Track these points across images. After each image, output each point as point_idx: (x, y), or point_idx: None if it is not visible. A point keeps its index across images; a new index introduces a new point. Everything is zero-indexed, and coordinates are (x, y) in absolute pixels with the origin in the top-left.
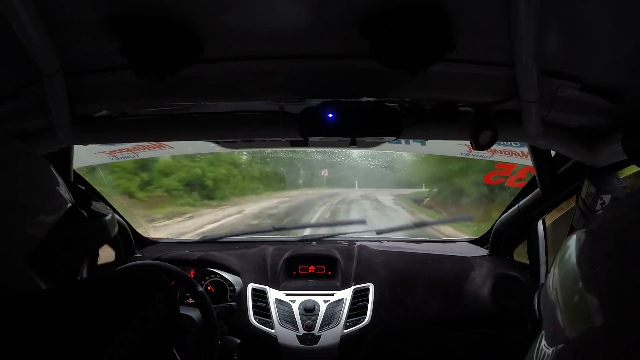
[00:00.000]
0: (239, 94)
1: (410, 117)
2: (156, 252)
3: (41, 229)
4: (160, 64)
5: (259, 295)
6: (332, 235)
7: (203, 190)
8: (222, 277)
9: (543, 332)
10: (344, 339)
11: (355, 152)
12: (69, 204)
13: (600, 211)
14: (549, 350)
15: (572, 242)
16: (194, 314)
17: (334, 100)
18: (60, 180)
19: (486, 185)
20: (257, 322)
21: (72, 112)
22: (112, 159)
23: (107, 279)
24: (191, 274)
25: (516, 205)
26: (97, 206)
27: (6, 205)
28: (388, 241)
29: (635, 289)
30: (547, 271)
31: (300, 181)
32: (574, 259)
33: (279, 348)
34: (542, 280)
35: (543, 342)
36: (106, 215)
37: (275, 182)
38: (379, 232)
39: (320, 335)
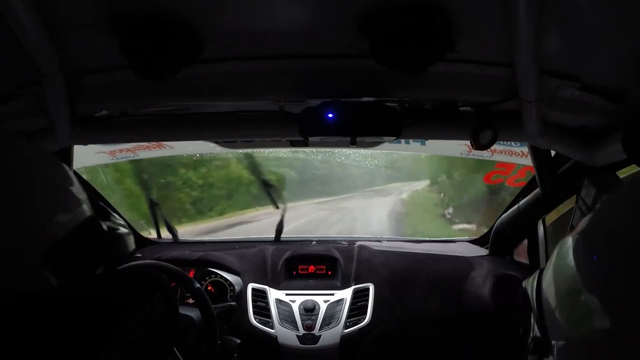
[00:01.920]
0: (239, 94)
1: (410, 117)
2: (156, 252)
3: (59, 229)
4: (160, 64)
5: (259, 295)
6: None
7: None
8: (222, 277)
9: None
10: (344, 339)
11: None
12: (89, 213)
13: (591, 213)
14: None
15: (568, 242)
16: (194, 314)
17: (334, 100)
18: (78, 185)
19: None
20: (257, 322)
21: (72, 112)
22: (112, 159)
23: (105, 279)
24: (191, 274)
25: (516, 205)
26: (114, 221)
27: (27, 200)
28: (388, 241)
29: (630, 286)
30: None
31: None
32: (570, 258)
33: (279, 348)
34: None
35: (536, 332)
36: (122, 230)
37: None
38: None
39: (320, 335)
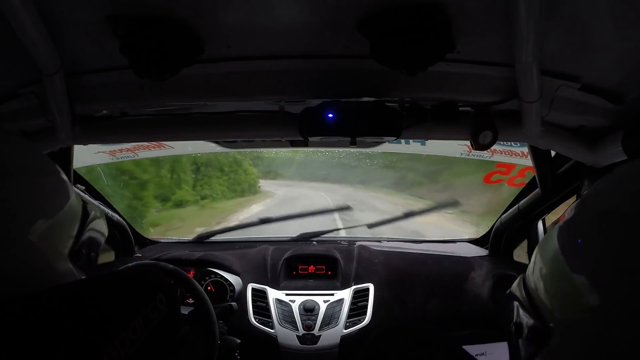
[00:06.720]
0: (239, 94)
1: (410, 117)
2: (156, 252)
3: (74, 228)
4: (160, 64)
5: (259, 295)
6: (332, 236)
7: None
8: (222, 277)
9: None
10: (344, 339)
11: None
12: (82, 202)
13: (575, 203)
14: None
15: (554, 230)
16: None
17: (334, 100)
18: (73, 187)
19: None
20: (257, 322)
21: (72, 112)
22: (112, 159)
23: (107, 279)
24: (191, 274)
25: (516, 205)
26: (114, 221)
27: (56, 211)
28: (388, 241)
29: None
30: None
31: None
32: (556, 244)
33: (278, 348)
34: None
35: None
36: (97, 213)
37: None
38: (370, 226)
39: (320, 336)
